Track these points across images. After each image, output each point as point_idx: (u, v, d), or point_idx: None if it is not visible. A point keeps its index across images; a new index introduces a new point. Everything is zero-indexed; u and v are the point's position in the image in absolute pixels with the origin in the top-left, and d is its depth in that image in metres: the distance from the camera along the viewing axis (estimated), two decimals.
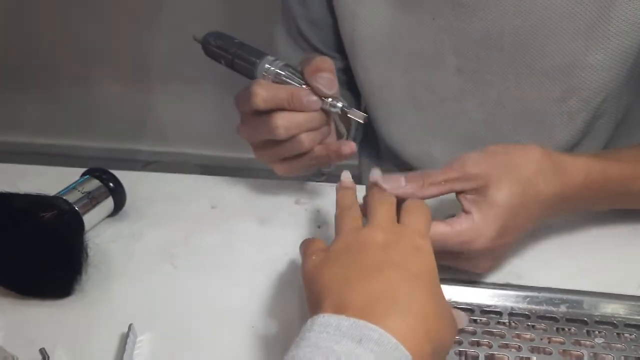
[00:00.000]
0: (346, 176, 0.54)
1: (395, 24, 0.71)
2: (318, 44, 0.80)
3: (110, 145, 1.99)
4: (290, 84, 0.55)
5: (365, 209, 0.50)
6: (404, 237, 0.44)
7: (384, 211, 0.47)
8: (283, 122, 0.54)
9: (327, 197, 0.69)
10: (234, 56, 0.58)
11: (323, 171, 0.67)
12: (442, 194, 0.52)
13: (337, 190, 0.53)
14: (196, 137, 1.92)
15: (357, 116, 0.53)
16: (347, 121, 0.65)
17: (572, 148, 0.73)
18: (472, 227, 0.50)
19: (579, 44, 0.64)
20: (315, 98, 0.54)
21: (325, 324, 0.38)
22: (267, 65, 0.56)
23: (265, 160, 0.61)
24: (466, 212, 0.51)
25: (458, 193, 0.52)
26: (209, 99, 1.77)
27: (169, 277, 0.60)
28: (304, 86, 0.55)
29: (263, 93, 0.54)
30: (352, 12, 0.72)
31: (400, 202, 0.50)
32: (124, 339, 0.52)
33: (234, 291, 0.58)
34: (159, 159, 1.97)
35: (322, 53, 0.81)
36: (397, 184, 0.51)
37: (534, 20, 0.64)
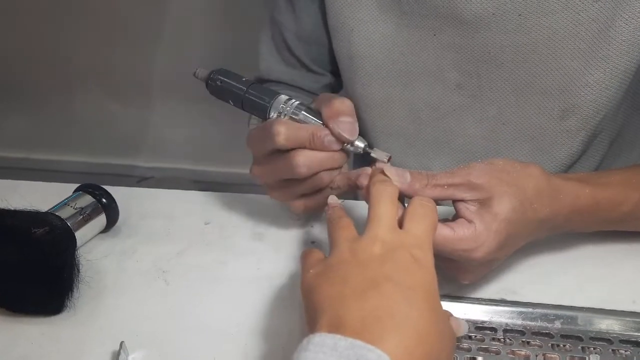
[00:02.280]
0: (333, 198, 0.54)
1: (395, 40, 0.71)
2: (306, 59, 0.81)
3: (104, 160, 1.99)
4: (308, 123, 0.55)
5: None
6: (403, 248, 0.44)
7: (385, 211, 0.46)
8: (305, 161, 0.54)
9: (321, 212, 0.69)
10: (243, 96, 0.57)
11: None
12: (444, 198, 0.51)
13: (326, 210, 0.53)
14: (191, 152, 1.92)
15: (380, 156, 0.53)
16: None
17: (570, 166, 0.73)
18: (474, 236, 0.49)
19: (578, 63, 0.65)
20: (334, 138, 0.54)
21: (322, 343, 0.38)
22: (281, 106, 0.55)
23: (283, 199, 0.60)
24: (468, 221, 0.50)
25: (457, 201, 0.52)
26: (203, 115, 1.78)
27: (162, 294, 0.60)
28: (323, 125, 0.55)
29: (285, 131, 0.53)
30: (350, 28, 0.72)
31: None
32: (116, 356, 0.52)
33: (227, 308, 0.57)
34: (154, 174, 1.96)
35: (309, 69, 0.82)
36: (401, 177, 0.51)
37: (535, 37, 0.64)
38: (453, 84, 0.71)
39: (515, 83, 0.68)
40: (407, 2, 0.68)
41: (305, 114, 0.55)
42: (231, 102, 0.58)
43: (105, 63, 1.76)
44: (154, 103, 1.85)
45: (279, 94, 0.57)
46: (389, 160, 0.53)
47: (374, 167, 0.52)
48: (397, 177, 0.51)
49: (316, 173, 0.55)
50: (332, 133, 0.54)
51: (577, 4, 0.62)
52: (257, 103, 0.57)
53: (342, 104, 0.54)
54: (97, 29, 1.71)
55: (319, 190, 0.58)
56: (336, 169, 0.56)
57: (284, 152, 0.55)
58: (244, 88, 0.57)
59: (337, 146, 0.54)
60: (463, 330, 0.48)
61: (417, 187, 0.51)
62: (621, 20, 0.61)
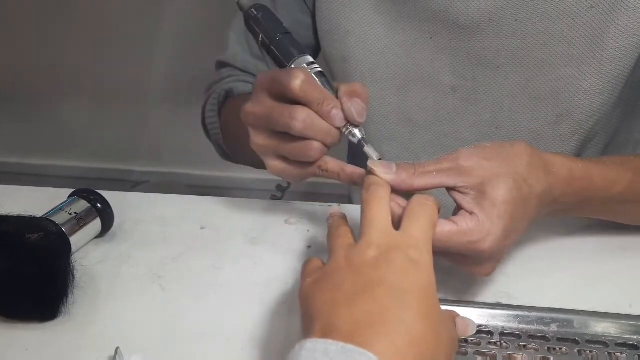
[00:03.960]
0: (334, 207, 0.54)
1: (390, 43, 0.71)
2: None
3: (99, 165, 1.98)
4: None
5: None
6: (398, 249, 0.43)
7: (376, 214, 0.46)
8: (304, 117, 0.52)
9: (316, 216, 0.69)
10: (276, 37, 0.58)
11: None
12: (434, 186, 0.50)
13: (327, 219, 0.53)
14: (186, 157, 1.92)
15: (371, 153, 0.53)
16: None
17: None
18: (478, 226, 0.48)
19: (572, 69, 0.65)
20: (341, 114, 0.53)
21: (313, 349, 0.38)
22: (305, 65, 0.55)
23: (262, 150, 0.57)
24: (469, 212, 0.49)
25: (452, 190, 0.50)
26: (198, 119, 1.78)
27: (157, 299, 0.59)
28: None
29: (304, 79, 0.52)
30: (345, 30, 0.72)
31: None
32: None
33: (222, 313, 0.57)
34: (149, 179, 1.96)
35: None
36: (387, 169, 0.50)
37: (530, 42, 0.65)
38: (448, 87, 0.71)
39: (510, 87, 0.68)
40: (403, 5, 0.68)
41: (323, 82, 0.54)
42: (260, 37, 0.59)
43: (99, 67, 1.77)
44: (149, 107, 1.85)
45: (306, 53, 0.57)
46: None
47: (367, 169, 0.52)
48: (383, 169, 0.50)
49: (307, 138, 0.53)
50: (343, 108, 0.53)
51: (573, 10, 0.62)
52: (285, 50, 0.57)
53: (362, 88, 0.53)
54: (91, 33, 1.71)
55: (307, 163, 0.56)
56: (326, 146, 0.54)
57: (287, 101, 0.53)
58: (282, 30, 0.58)
59: (339, 123, 0.53)
60: (471, 330, 0.47)
61: (404, 177, 0.50)
62: (615, 27, 0.62)
